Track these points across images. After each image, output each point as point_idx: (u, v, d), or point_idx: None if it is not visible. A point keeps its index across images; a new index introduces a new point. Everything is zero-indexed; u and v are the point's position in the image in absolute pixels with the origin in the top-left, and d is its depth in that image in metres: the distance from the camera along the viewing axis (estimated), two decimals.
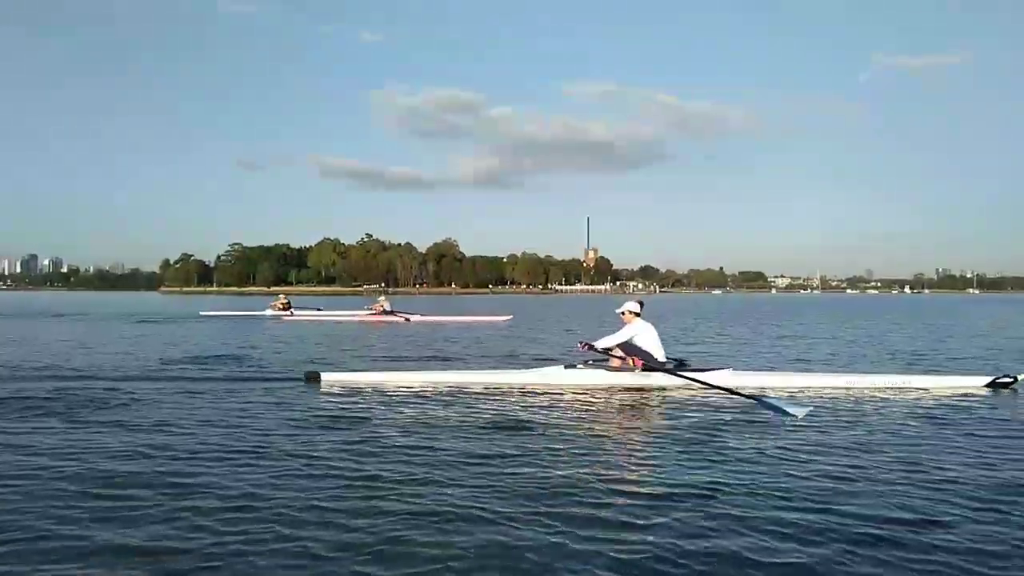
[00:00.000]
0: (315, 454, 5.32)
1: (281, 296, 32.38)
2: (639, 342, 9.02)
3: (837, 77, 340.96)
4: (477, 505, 4.12)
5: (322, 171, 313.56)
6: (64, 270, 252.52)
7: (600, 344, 9.08)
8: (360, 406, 7.44)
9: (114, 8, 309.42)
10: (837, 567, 3.31)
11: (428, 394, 8.26)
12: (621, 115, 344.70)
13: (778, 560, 3.38)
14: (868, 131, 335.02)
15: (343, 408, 7.30)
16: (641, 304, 9.45)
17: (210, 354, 13.24)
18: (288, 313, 29.38)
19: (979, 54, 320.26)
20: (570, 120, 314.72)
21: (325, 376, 9.03)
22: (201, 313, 32.06)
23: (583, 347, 9.17)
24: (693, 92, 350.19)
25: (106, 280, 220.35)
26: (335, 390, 8.49)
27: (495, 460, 5.19)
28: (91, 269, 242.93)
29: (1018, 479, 4.79)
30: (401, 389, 8.53)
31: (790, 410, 6.85)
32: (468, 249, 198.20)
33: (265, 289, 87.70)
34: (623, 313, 9.37)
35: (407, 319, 25.10)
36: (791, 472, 4.90)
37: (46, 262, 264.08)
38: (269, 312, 29.80)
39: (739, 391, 7.82)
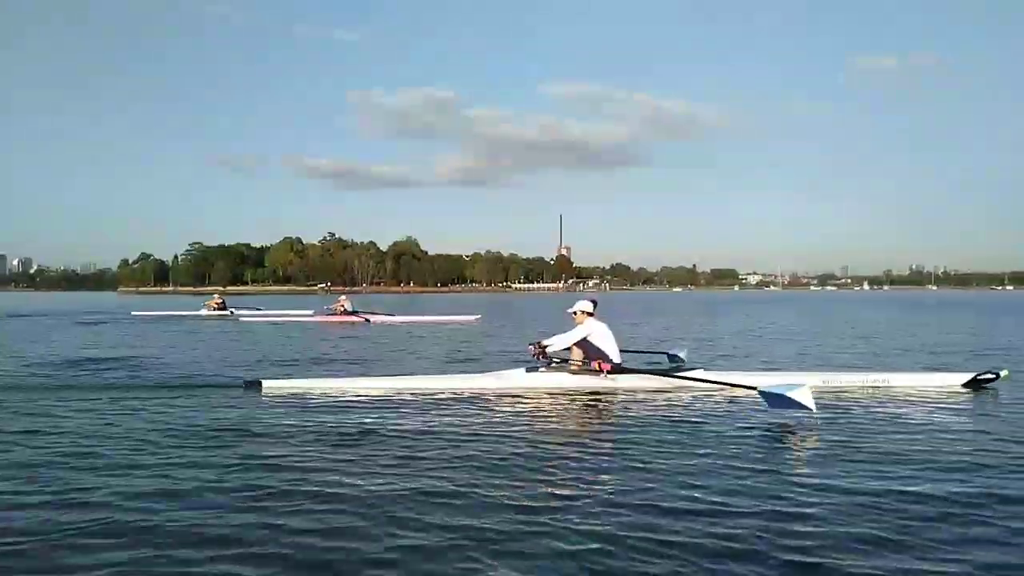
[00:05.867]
0: (251, 468, 4.85)
1: (215, 296, 32.61)
2: (594, 341, 8.46)
3: (811, 78, 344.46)
4: (430, 517, 3.81)
5: (297, 171, 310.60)
6: (32, 270, 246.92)
7: (551, 347, 8.43)
8: (303, 415, 6.83)
9: (85, 6, 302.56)
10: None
11: (379, 401, 7.69)
12: (597, 115, 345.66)
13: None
14: (843, 130, 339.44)
15: (284, 418, 6.69)
16: (595, 303, 8.84)
17: (138, 358, 12.45)
18: (228, 312, 29.08)
19: (952, 55, 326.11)
20: (547, 120, 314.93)
21: (267, 383, 8.35)
22: (133, 313, 30.37)
23: (535, 348, 8.45)
24: (669, 92, 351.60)
25: (71, 281, 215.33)
26: (277, 398, 7.85)
27: (446, 472, 4.74)
28: (59, 270, 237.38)
29: (995, 479, 4.61)
30: (349, 396, 7.93)
31: (802, 400, 6.12)
32: (442, 248, 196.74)
33: (221, 289, 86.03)
34: (575, 313, 8.74)
35: (367, 320, 24.23)
36: (774, 475, 4.65)
37: (15, 262, 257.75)
38: (204, 311, 29.36)
39: (737, 383, 7.65)
